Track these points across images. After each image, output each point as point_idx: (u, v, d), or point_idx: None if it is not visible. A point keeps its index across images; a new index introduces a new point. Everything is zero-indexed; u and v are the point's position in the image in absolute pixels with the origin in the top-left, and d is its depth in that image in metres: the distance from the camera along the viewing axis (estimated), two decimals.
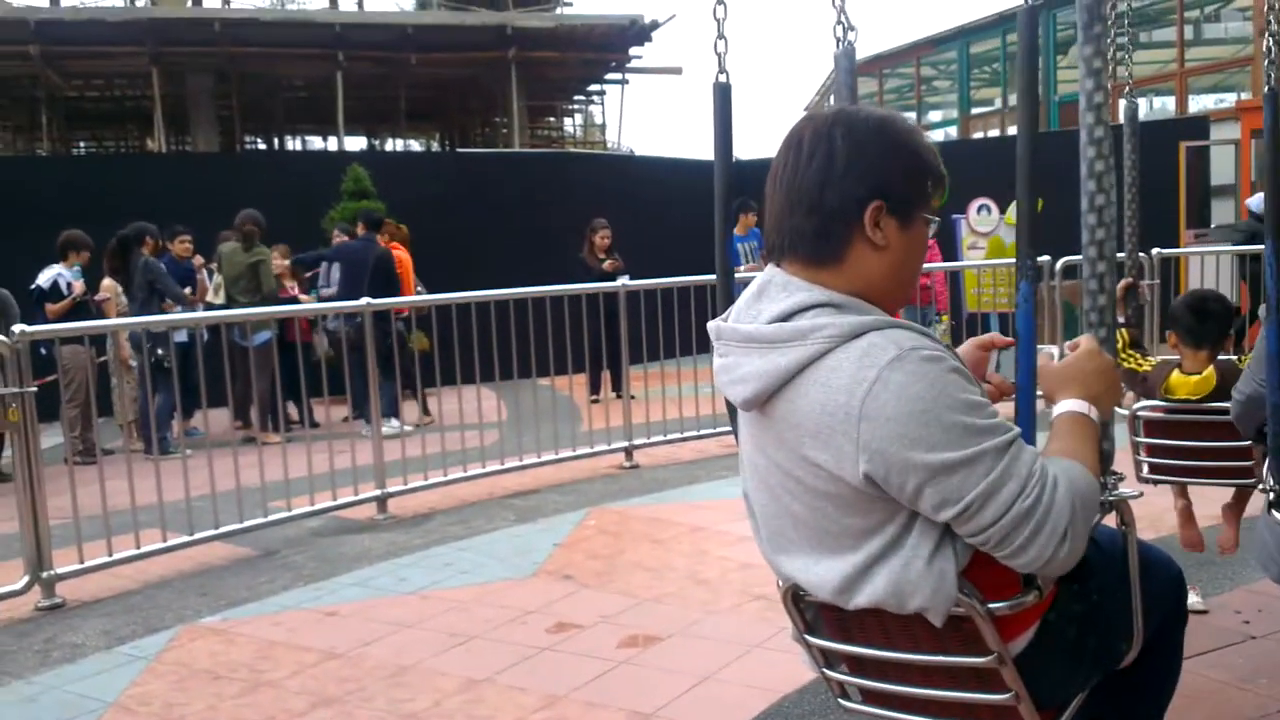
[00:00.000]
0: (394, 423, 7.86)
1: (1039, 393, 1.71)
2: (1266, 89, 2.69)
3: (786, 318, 1.52)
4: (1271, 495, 2.68)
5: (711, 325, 1.65)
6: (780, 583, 1.76)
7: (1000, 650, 1.57)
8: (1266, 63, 2.69)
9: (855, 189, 1.52)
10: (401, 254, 9.36)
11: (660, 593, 4.35)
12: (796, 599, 1.71)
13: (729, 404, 1.76)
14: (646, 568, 4.70)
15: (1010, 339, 1.82)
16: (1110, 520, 1.78)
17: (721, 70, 2.02)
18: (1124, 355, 3.78)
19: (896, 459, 1.43)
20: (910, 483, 1.44)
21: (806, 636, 1.76)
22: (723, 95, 1.96)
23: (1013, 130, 18.88)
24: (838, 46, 2.08)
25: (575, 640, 3.87)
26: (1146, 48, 17.44)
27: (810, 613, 1.74)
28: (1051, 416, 1.70)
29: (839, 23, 2.07)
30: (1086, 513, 1.53)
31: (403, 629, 4.05)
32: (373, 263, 8.60)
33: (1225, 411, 3.41)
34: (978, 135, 18.97)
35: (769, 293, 1.56)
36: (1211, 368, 3.61)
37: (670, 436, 7.22)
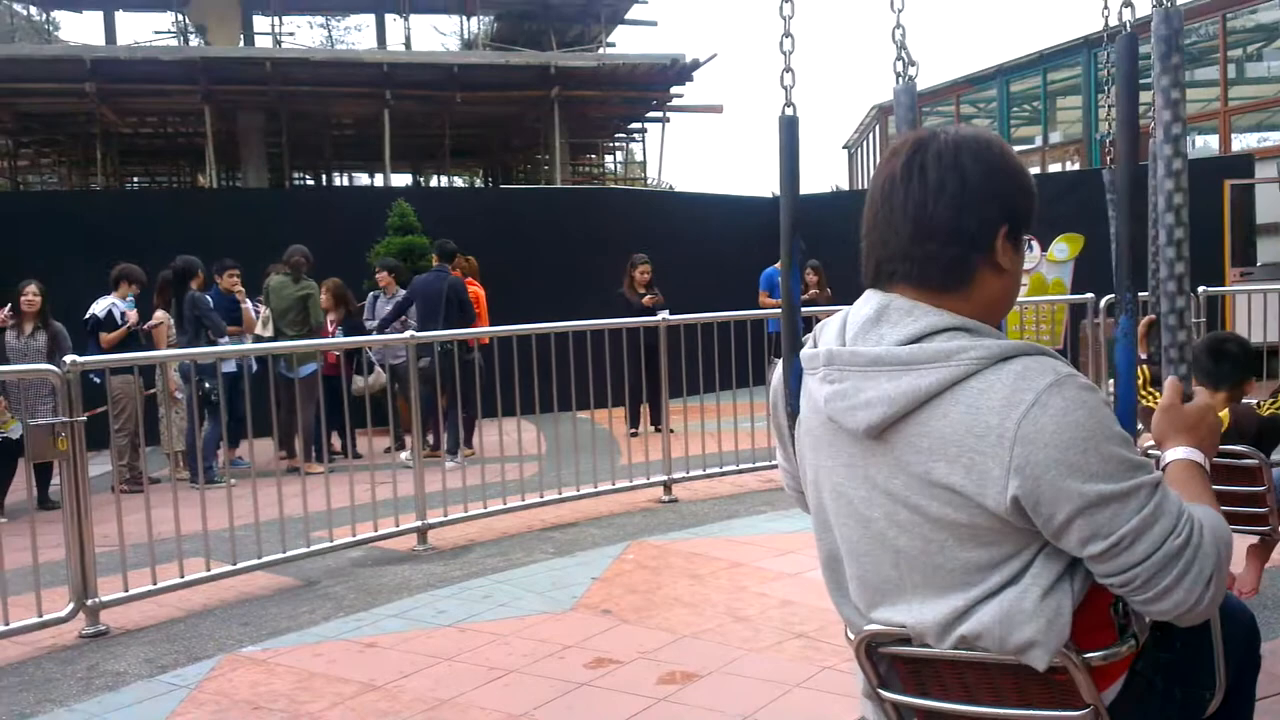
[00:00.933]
0: (455, 459, 7.87)
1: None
2: None
3: (917, 341, 1.47)
4: None
5: (817, 351, 1.57)
6: (850, 632, 1.67)
7: (1096, 703, 1.50)
8: None
9: (990, 215, 1.50)
10: (477, 289, 9.44)
11: (699, 629, 4.32)
12: (870, 651, 1.63)
13: (792, 437, 1.71)
14: (685, 603, 4.67)
15: None
16: None
17: (788, 104, 1.94)
18: (1144, 393, 3.72)
19: (1050, 486, 1.37)
20: (1061, 512, 1.39)
21: (881, 691, 1.67)
22: (790, 128, 1.90)
23: (1054, 167, 18.75)
24: (898, 82, 2.03)
25: (613, 676, 3.85)
26: (1189, 86, 17.29)
27: (883, 666, 1.66)
28: (1164, 461, 1.68)
29: (899, 58, 2.03)
30: (1227, 559, 1.49)
31: (441, 661, 4.05)
32: (448, 292, 8.68)
33: (1238, 455, 3.37)
34: None
35: (889, 317, 1.51)
36: (1227, 410, 3.56)
37: (709, 471, 7.20)
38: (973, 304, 1.52)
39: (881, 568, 1.55)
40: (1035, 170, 18.41)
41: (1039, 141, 19.32)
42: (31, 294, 7.47)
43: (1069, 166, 18.08)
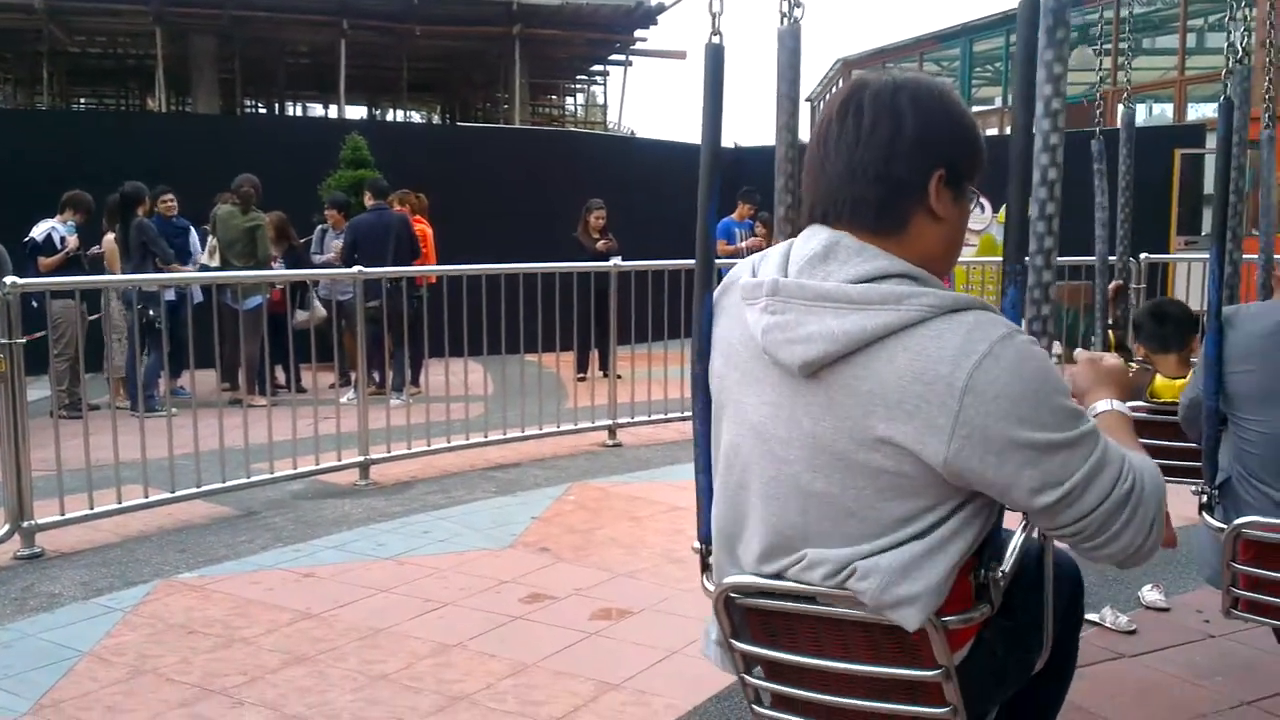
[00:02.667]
0: (401, 397, 7.87)
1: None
2: (1223, 98, 2.74)
3: (866, 281, 1.44)
4: (1204, 498, 2.72)
5: (760, 280, 1.52)
6: (710, 581, 1.68)
7: (948, 664, 1.51)
8: (1224, 72, 2.75)
9: (923, 159, 1.48)
10: (424, 227, 9.34)
11: (634, 568, 4.40)
12: (729, 602, 1.64)
13: (702, 373, 1.68)
14: (622, 544, 4.75)
15: None
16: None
17: (715, 32, 1.81)
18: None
19: (1000, 436, 1.37)
20: (1011, 463, 1.39)
21: (733, 641, 1.68)
22: (715, 58, 1.78)
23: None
24: (782, 23, 1.93)
25: (548, 611, 3.92)
26: (1149, 54, 17.47)
27: (736, 616, 1.66)
28: (1094, 413, 1.71)
29: None
30: (1163, 502, 1.52)
31: (378, 593, 4.10)
32: (396, 229, 8.61)
33: None
34: None
35: (838, 254, 1.47)
36: (1193, 372, 3.68)
37: (654, 417, 7.28)
38: (907, 249, 1.49)
39: (788, 513, 1.52)
40: (994, 131, 18.54)
41: (999, 103, 19.44)
42: None
43: None
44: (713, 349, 1.68)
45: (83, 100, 24.97)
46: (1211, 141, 12.23)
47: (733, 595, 1.63)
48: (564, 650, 3.54)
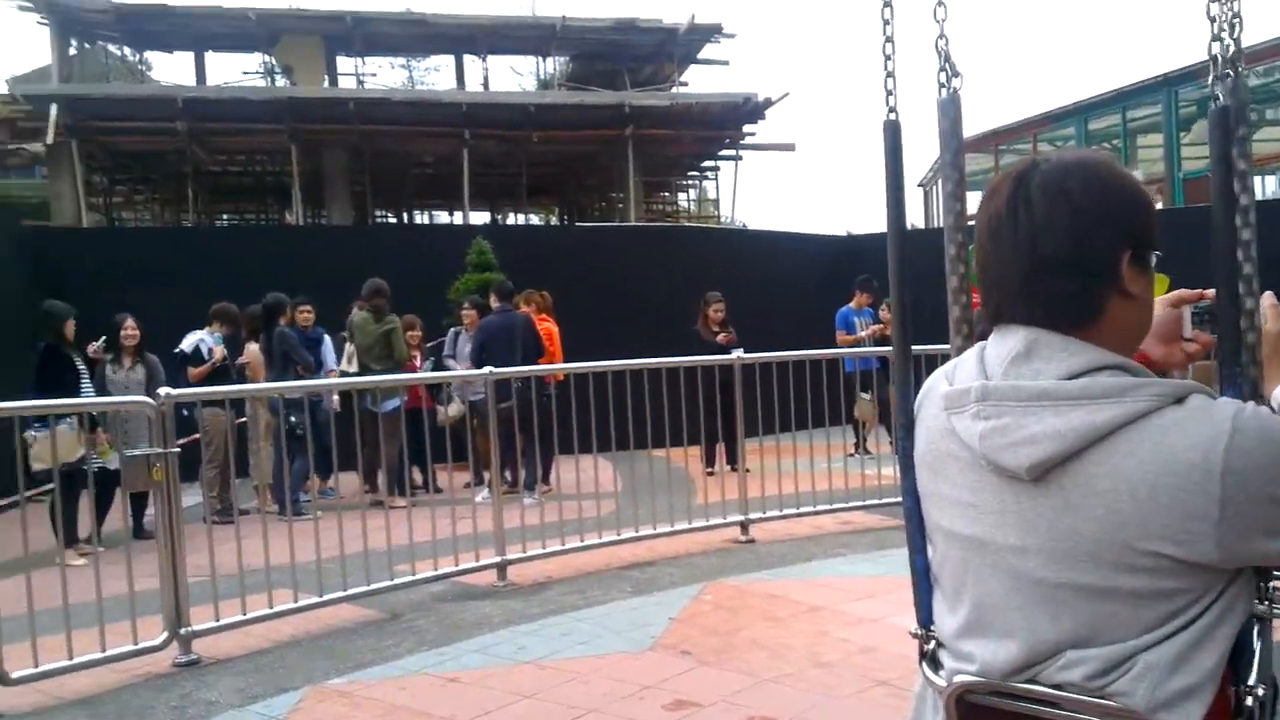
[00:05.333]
0: (533, 496, 7.97)
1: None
2: None
3: (1078, 376, 1.39)
4: None
5: (968, 387, 1.47)
6: (940, 678, 1.55)
7: None
8: None
9: (1108, 239, 1.43)
10: (550, 325, 9.56)
11: (780, 673, 4.29)
12: (960, 700, 1.51)
13: (915, 481, 1.60)
14: (765, 646, 4.65)
15: (1203, 291, 1.72)
16: None
17: (891, 110, 1.82)
18: None
19: (1265, 500, 1.33)
20: (1276, 521, 1.35)
21: None
22: (893, 135, 1.79)
23: None
24: (940, 94, 1.94)
25: (694, 719, 3.84)
26: (1272, 124, 16.94)
27: (962, 713, 1.53)
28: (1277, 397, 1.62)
29: (942, 69, 1.90)
30: None
31: (522, 699, 4.09)
32: (521, 331, 8.84)
33: None
34: None
35: (1041, 352, 1.43)
36: None
37: (786, 512, 7.16)
38: (1108, 336, 1.44)
39: (1037, 620, 1.44)
40: None
41: None
42: (130, 328, 7.75)
43: None
44: (915, 461, 1.62)
45: (225, 216, 26.43)
46: None
47: (969, 693, 1.51)
48: None
